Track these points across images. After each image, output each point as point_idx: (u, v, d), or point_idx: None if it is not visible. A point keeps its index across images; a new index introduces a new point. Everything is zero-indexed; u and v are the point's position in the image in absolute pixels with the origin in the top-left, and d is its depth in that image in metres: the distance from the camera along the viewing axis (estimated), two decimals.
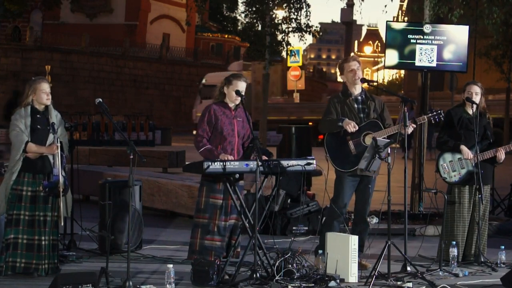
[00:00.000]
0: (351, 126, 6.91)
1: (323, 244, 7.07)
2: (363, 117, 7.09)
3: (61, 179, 6.57)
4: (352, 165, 6.99)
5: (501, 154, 7.51)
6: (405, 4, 68.11)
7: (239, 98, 6.71)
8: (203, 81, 33.87)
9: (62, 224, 6.71)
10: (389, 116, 7.22)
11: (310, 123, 33.85)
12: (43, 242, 6.64)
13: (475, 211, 7.57)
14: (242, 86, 6.71)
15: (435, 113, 7.13)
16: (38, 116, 6.70)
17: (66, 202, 6.84)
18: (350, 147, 6.98)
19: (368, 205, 7.21)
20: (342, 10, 45.95)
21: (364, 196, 7.17)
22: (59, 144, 6.60)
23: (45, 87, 6.76)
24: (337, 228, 7.13)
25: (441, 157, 7.65)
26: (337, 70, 7.44)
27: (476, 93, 7.55)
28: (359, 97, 7.17)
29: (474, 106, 7.50)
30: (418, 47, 9.95)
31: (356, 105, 7.13)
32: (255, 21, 22.55)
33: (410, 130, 6.93)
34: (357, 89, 7.19)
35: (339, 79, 7.46)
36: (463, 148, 7.52)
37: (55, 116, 6.81)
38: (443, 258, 7.17)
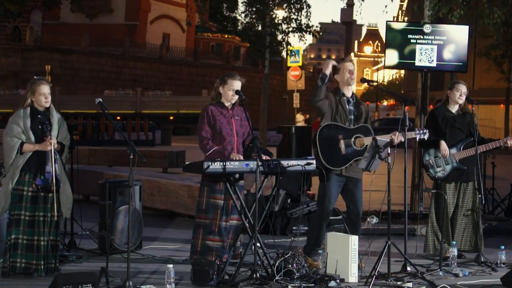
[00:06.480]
0: (328, 65, 6.93)
1: (310, 244, 7.12)
2: (352, 119, 7.10)
3: (52, 176, 6.53)
4: (340, 164, 6.99)
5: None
6: (405, 4, 68.07)
7: (235, 97, 6.71)
8: None
9: (56, 218, 6.64)
10: (370, 122, 7.29)
11: None
12: (42, 243, 6.62)
13: (468, 209, 7.69)
14: (237, 85, 6.70)
15: (421, 132, 7.26)
16: (39, 116, 6.65)
17: (63, 201, 6.80)
18: (340, 146, 6.97)
19: (361, 204, 7.22)
20: (342, 10, 45.96)
21: (355, 196, 7.17)
22: (53, 141, 6.50)
23: (44, 90, 6.62)
24: (324, 229, 7.12)
25: (427, 153, 7.81)
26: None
27: (464, 92, 7.74)
28: (351, 99, 7.18)
29: (457, 105, 7.75)
30: (418, 47, 9.95)
31: (348, 106, 7.13)
32: (255, 21, 22.55)
33: (398, 140, 6.93)
34: (349, 91, 7.20)
35: None
36: (442, 143, 7.64)
37: (56, 117, 6.76)
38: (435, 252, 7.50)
